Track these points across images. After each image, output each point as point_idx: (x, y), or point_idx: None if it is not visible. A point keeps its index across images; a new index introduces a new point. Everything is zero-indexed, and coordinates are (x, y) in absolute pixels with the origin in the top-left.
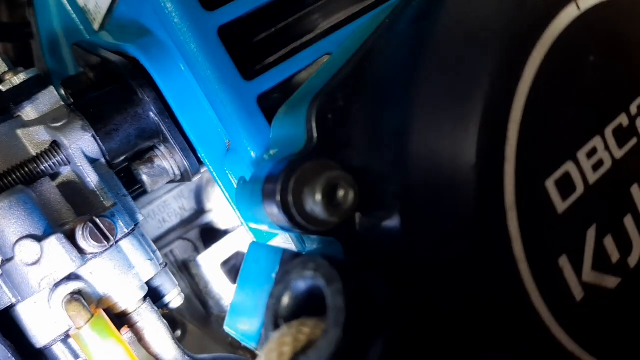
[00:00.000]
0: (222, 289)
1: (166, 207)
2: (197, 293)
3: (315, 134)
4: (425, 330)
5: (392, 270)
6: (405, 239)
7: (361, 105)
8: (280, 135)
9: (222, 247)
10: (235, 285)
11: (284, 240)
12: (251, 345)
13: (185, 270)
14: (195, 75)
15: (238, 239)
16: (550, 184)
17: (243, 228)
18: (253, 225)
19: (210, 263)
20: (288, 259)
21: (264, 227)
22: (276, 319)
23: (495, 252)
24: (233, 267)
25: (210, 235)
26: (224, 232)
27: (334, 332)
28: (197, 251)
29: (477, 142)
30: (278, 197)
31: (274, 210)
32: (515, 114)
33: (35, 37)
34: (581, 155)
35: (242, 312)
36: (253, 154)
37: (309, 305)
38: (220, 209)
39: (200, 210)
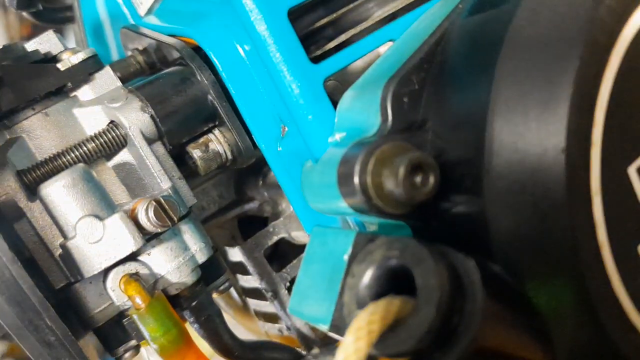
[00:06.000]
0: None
1: (205, 194)
2: (234, 282)
3: (390, 117)
4: (512, 313)
5: (470, 254)
6: (487, 223)
7: (437, 88)
8: (348, 119)
9: (265, 234)
10: (278, 273)
11: (342, 226)
12: (321, 326)
13: (223, 258)
14: (263, 58)
15: (281, 227)
16: (632, 171)
17: (285, 216)
18: (318, 209)
19: (253, 250)
20: (363, 241)
21: (329, 212)
22: (359, 298)
23: (581, 238)
24: (269, 256)
25: (248, 224)
26: (262, 221)
27: (426, 310)
28: (235, 240)
29: (566, 125)
30: (356, 179)
31: (351, 192)
32: (602, 98)
33: (78, 20)
34: None
35: (308, 294)
36: (318, 138)
37: (391, 286)
38: (260, 198)
39: (239, 199)
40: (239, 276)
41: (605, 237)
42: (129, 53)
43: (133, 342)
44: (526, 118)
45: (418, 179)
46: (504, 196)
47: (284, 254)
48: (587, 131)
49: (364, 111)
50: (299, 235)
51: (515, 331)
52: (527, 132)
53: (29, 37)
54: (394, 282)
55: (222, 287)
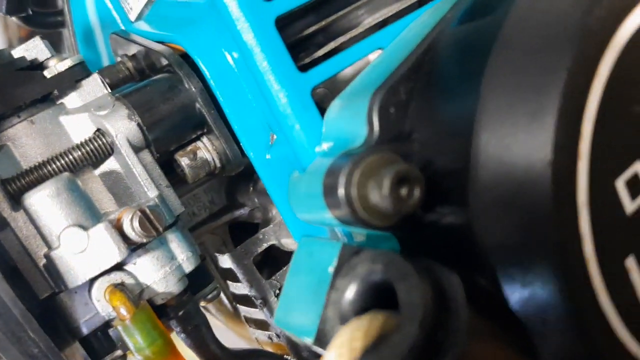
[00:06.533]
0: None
1: (196, 200)
2: (224, 288)
3: (377, 128)
4: (499, 328)
5: (457, 267)
6: (473, 236)
7: (424, 98)
8: (335, 129)
9: (255, 242)
10: (267, 280)
11: (330, 235)
12: (305, 339)
13: (213, 264)
14: (250, 66)
15: (271, 234)
16: (620, 184)
17: (275, 223)
18: (304, 219)
19: (242, 257)
20: (349, 254)
21: (316, 222)
22: (342, 313)
23: (568, 252)
24: (260, 262)
25: (239, 230)
26: (253, 227)
27: (409, 327)
28: (226, 246)
29: (553, 138)
30: (341, 191)
31: (336, 204)
32: (589, 110)
33: (69, 25)
34: None
35: (294, 306)
36: (305, 148)
37: (375, 301)
38: (251, 204)
39: (230, 205)
40: (230, 283)
41: (592, 251)
42: (119, 59)
43: (119, 352)
44: (513, 130)
45: (404, 191)
46: (490, 209)
47: (276, 260)
48: (575, 144)
49: (350, 121)
50: (289, 243)
51: (502, 346)
52: (514, 145)
53: (28, 40)
54: (379, 297)
55: (210, 296)
